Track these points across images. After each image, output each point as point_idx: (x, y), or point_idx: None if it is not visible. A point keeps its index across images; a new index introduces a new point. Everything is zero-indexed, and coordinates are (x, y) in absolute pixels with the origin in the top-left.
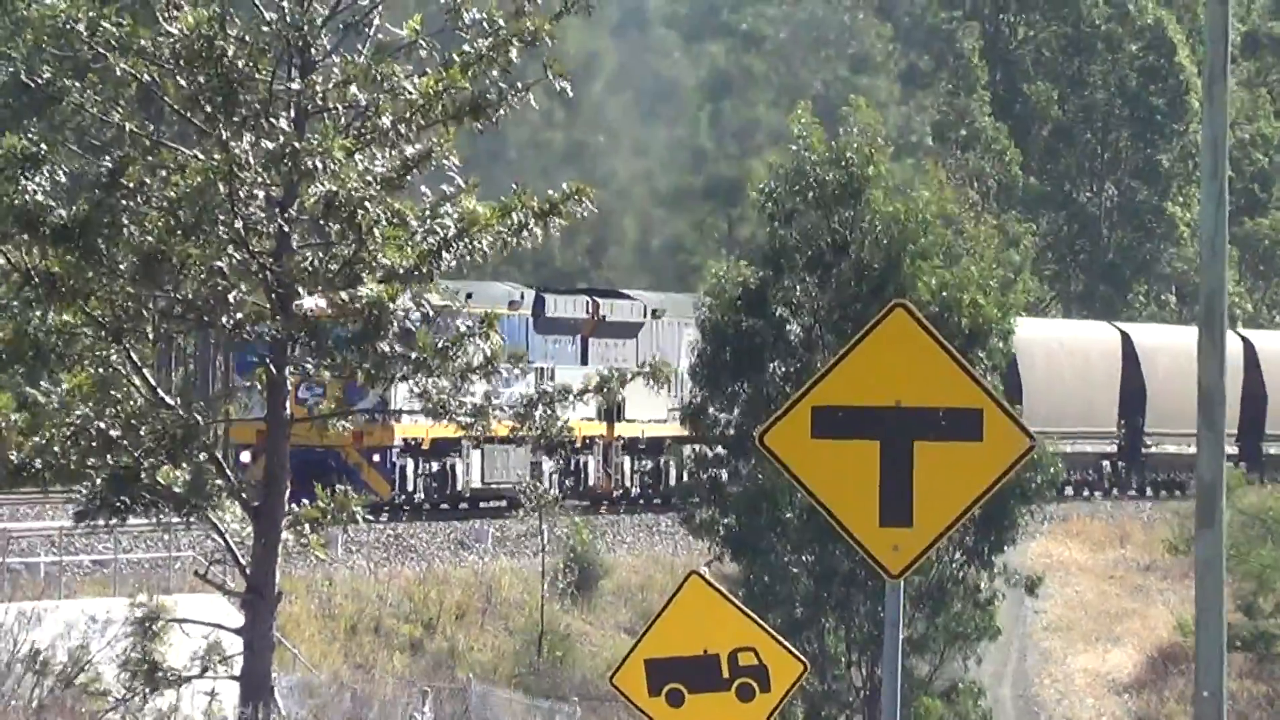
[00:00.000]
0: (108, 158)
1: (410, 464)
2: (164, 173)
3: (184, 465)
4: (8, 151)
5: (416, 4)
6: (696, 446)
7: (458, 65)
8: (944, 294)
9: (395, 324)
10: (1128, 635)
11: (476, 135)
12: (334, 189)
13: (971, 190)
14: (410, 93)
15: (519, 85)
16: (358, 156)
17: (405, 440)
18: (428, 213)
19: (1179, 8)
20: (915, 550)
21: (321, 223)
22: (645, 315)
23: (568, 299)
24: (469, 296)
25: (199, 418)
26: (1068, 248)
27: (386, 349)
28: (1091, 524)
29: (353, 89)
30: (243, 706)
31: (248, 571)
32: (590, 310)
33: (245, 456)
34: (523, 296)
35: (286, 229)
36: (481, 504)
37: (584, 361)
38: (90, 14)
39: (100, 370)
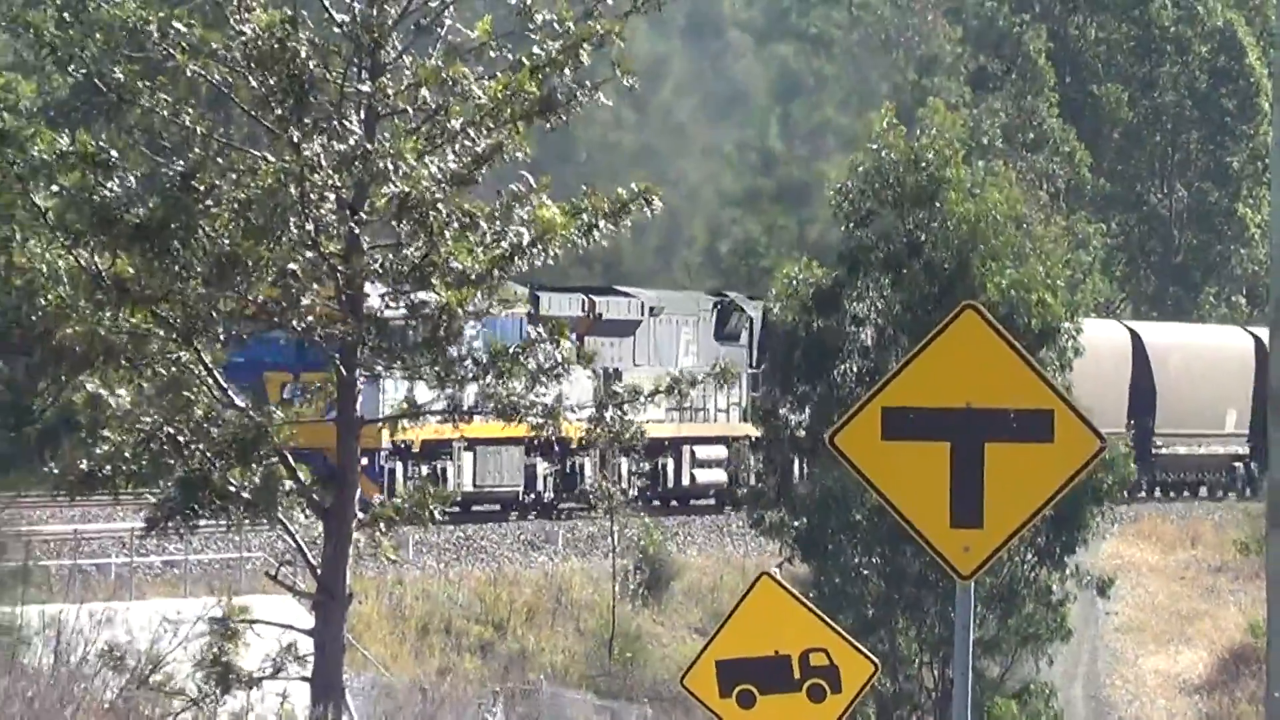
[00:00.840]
0: (180, 160)
1: (399, 467)
2: (235, 175)
3: (253, 467)
4: (81, 152)
5: (486, 5)
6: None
7: (527, 69)
8: (1014, 294)
9: (465, 328)
10: (1199, 636)
11: (546, 134)
12: (405, 190)
13: (1041, 191)
14: (480, 97)
15: (588, 84)
16: (428, 158)
17: (394, 443)
18: (498, 214)
19: (1249, 10)
20: (986, 551)
21: (392, 224)
22: (643, 313)
23: (563, 297)
24: None
25: (268, 420)
26: (1138, 249)
27: (456, 352)
28: (1162, 525)
29: (423, 92)
30: (314, 707)
31: (318, 572)
32: (586, 308)
33: None
34: (516, 294)
35: (357, 230)
36: (475, 508)
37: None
38: (161, 16)
39: (171, 372)
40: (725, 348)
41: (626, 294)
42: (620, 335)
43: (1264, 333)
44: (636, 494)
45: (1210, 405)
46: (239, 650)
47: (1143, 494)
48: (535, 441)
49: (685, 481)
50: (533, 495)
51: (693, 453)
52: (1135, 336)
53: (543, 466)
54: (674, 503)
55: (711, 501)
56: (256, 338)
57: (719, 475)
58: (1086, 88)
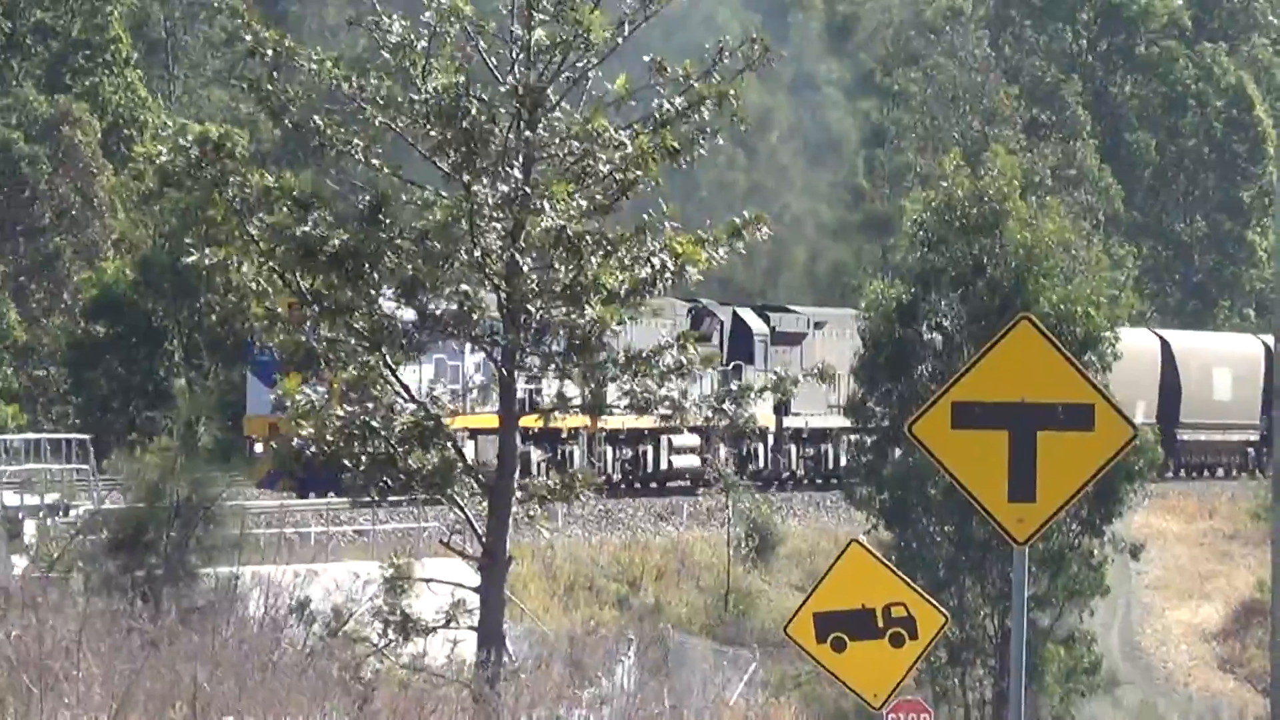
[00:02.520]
0: (368, 196)
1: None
2: (414, 208)
3: (431, 452)
4: (284, 188)
5: (624, 63)
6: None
7: (658, 120)
8: (1062, 307)
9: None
10: (1216, 593)
11: (673, 172)
12: (558, 225)
13: (1083, 222)
14: (626, 146)
15: (708, 132)
16: (576, 194)
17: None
18: (634, 241)
19: (1257, 70)
20: (1038, 522)
21: (547, 250)
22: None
23: None
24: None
25: (443, 412)
26: (1164, 270)
27: (601, 357)
28: (1185, 500)
29: (572, 143)
30: (479, 652)
31: (483, 540)
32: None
33: (259, 448)
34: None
35: (517, 257)
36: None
37: None
38: (356, 74)
39: (361, 373)
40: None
41: None
42: None
43: (1271, 339)
44: (802, 474)
45: (1227, 400)
46: (415, 603)
47: (1169, 474)
48: (529, 432)
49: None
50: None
51: (848, 440)
52: (1164, 343)
53: (536, 454)
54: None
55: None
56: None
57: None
58: (1122, 135)
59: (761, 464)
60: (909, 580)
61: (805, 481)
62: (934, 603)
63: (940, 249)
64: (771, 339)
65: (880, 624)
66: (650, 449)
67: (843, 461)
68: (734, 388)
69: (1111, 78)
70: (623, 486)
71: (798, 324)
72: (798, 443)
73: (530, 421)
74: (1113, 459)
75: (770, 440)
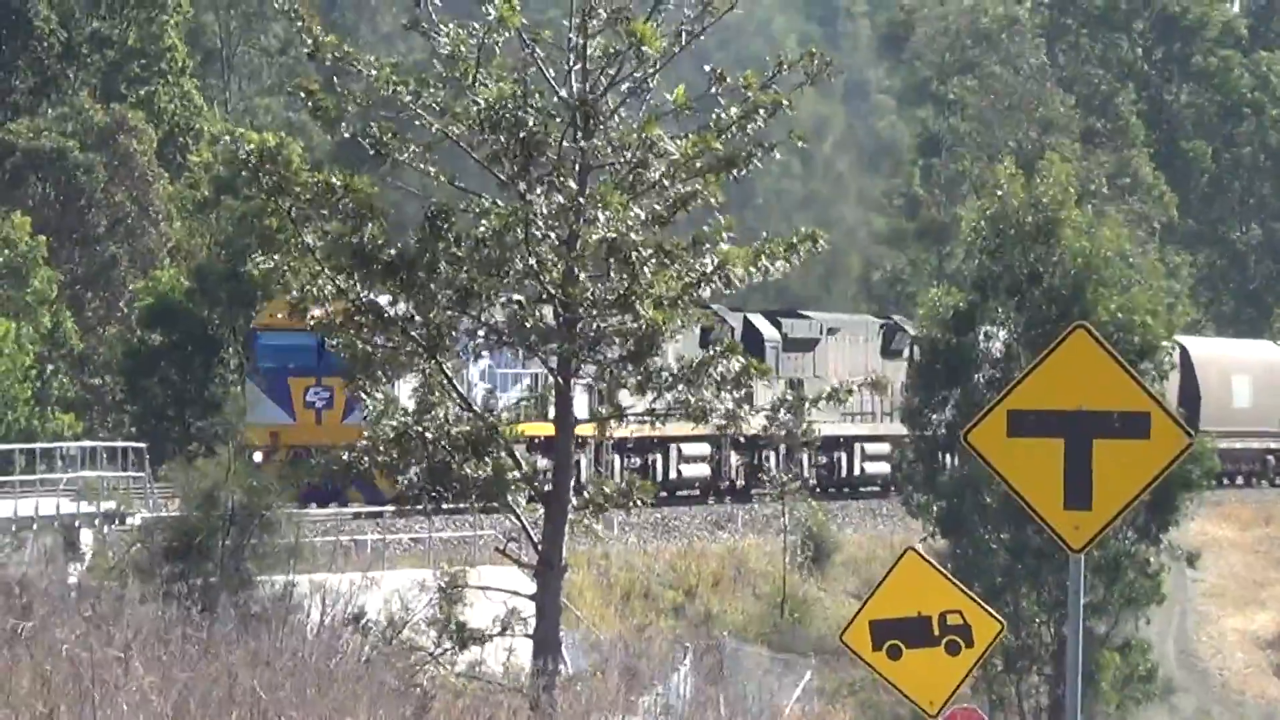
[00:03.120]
0: (425, 205)
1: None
2: (470, 216)
3: (487, 460)
4: (346, 186)
5: (682, 73)
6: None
7: (713, 130)
8: (1120, 316)
9: (663, 344)
10: (1271, 600)
11: (729, 182)
12: (612, 235)
13: (1139, 230)
14: (673, 154)
15: (765, 144)
16: (631, 204)
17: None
18: (689, 251)
19: None
20: (1093, 529)
21: (602, 259)
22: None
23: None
24: None
25: (498, 421)
26: (1219, 278)
27: (655, 365)
28: (1240, 508)
29: (627, 153)
30: (535, 659)
31: (539, 547)
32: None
33: (258, 457)
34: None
35: (572, 265)
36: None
37: None
38: (412, 83)
39: (419, 381)
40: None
41: None
42: None
43: None
44: (815, 483)
45: (1246, 407)
46: (470, 611)
47: None
48: (535, 440)
49: (856, 472)
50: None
51: (862, 449)
52: (1183, 350)
53: (543, 463)
54: (845, 490)
55: (877, 489)
56: (281, 347)
57: (884, 467)
58: (1177, 143)
59: (773, 472)
60: (965, 588)
61: (818, 490)
62: (990, 610)
63: (997, 257)
64: (783, 345)
65: (936, 631)
66: (659, 457)
67: (856, 470)
68: (790, 397)
69: (1167, 86)
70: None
71: (810, 330)
72: (810, 451)
73: (536, 428)
74: (1168, 467)
75: (781, 448)
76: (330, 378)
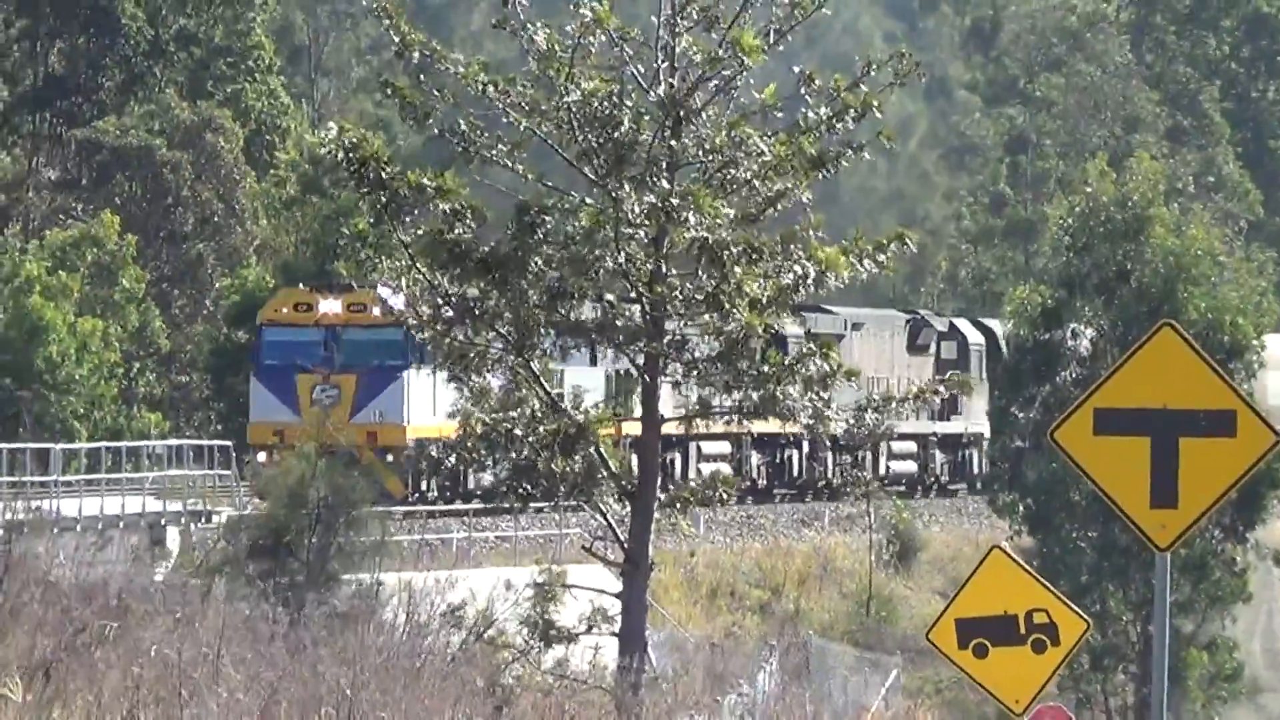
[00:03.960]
0: (515, 203)
1: (424, 464)
2: (559, 214)
3: (575, 458)
4: (439, 187)
5: (770, 74)
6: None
7: (801, 130)
8: (1209, 315)
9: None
10: None
11: (817, 181)
12: (703, 235)
13: (1225, 228)
14: (765, 154)
15: (853, 144)
16: (721, 202)
17: (418, 440)
18: (779, 249)
19: None
20: (1180, 528)
21: (691, 258)
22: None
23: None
24: None
25: (585, 419)
26: None
27: (744, 365)
28: None
29: (716, 152)
30: (621, 658)
31: (625, 546)
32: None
33: (261, 457)
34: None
35: (660, 264)
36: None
37: (593, 361)
38: (501, 80)
39: (507, 378)
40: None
41: None
42: None
43: None
44: (839, 483)
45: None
46: (559, 611)
47: None
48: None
49: (881, 471)
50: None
51: (888, 447)
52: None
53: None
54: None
55: (902, 488)
56: (288, 343)
57: (910, 466)
58: (1264, 141)
59: (796, 472)
60: (1051, 587)
61: (843, 491)
62: (1076, 609)
63: (1085, 255)
64: (807, 340)
65: (1022, 630)
66: (677, 456)
67: (881, 469)
68: (876, 396)
69: (1254, 83)
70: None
71: (834, 325)
72: (834, 450)
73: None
74: (1255, 465)
75: (805, 447)
76: (338, 374)
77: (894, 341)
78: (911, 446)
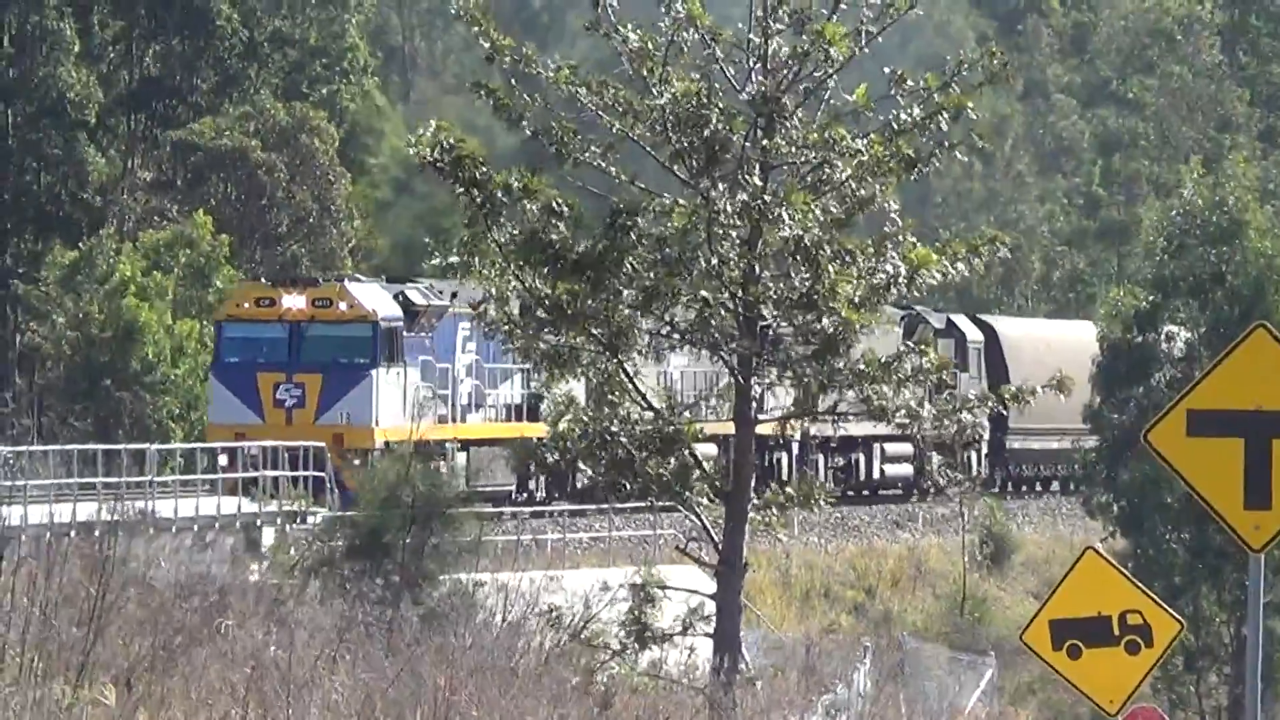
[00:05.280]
0: (609, 203)
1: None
2: (652, 215)
3: (670, 459)
4: (529, 187)
5: (861, 75)
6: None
7: (894, 131)
8: None
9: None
10: None
11: (910, 183)
12: (796, 234)
13: None
14: (861, 154)
15: (946, 145)
16: (814, 203)
17: (387, 443)
18: (872, 249)
19: None
20: (1274, 529)
21: (784, 258)
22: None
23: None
24: (454, 295)
25: (679, 421)
26: None
27: (840, 364)
28: None
29: (809, 152)
30: (715, 658)
31: (719, 547)
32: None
33: (223, 460)
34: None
35: (754, 265)
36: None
37: None
38: (593, 82)
39: (599, 379)
40: None
41: None
42: None
43: None
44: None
45: None
46: (655, 612)
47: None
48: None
49: (875, 475)
50: (524, 494)
51: (883, 450)
52: None
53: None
54: (865, 492)
55: (898, 492)
56: (249, 340)
57: (906, 469)
58: None
59: (785, 474)
60: (1145, 588)
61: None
62: (1170, 610)
63: (1179, 257)
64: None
65: (1116, 631)
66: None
67: (875, 473)
68: (972, 396)
69: None
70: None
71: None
72: (825, 452)
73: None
74: None
75: (795, 449)
76: (302, 373)
77: (888, 338)
78: (907, 449)
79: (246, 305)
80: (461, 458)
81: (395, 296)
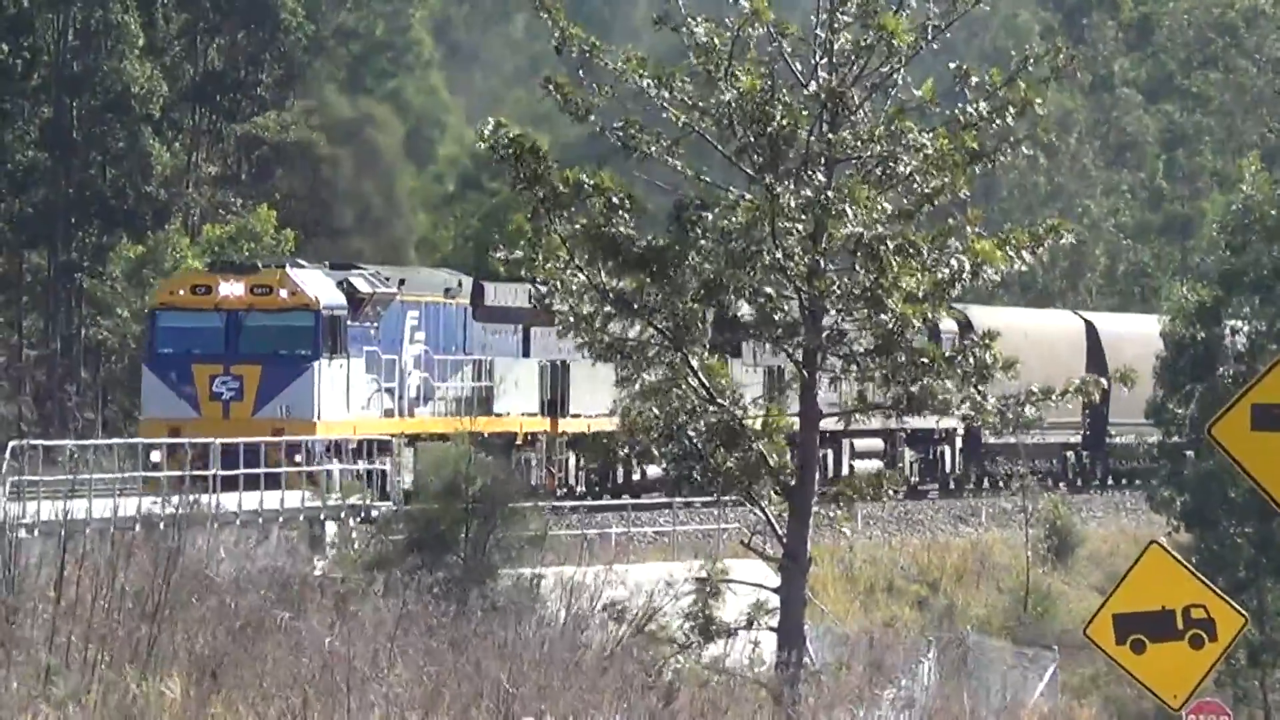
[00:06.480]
0: (673, 197)
1: (335, 463)
2: (716, 210)
3: (735, 453)
4: (598, 185)
5: (926, 69)
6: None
7: (965, 128)
8: None
9: (910, 339)
10: None
11: (975, 177)
12: (860, 230)
13: None
14: (927, 148)
15: (1012, 139)
16: (879, 197)
17: (334, 441)
18: (935, 244)
19: None
20: None
21: (849, 254)
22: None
23: (508, 287)
24: (402, 283)
25: (742, 414)
26: None
27: (902, 358)
28: None
29: (875, 146)
30: (779, 652)
31: (784, 541)
32: (533, 299)
33: (155, 456)
34: (460, 284)
35: (818, 260)
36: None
37: (526, 353)
38: (659, 77)
39: (664, 372)
40: None
41: None
42: None
43: None
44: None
45: None
46: (719, 605)
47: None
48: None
49: (844, 471)
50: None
51: (852, 445)
52: (1090, 326)
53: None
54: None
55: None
56: (184, 329)
57: (876, 465)
58: None
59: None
60: (1209, 582)
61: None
62: (1234, 604)
63: (1241, 252)
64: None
65: (1180, 626)
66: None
67: (844, 469)
68: (1035, 390)
69: None
70: (587, 498)
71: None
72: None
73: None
74: None
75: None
76: (240, 364)
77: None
78: (877, 444)
79: (182, 293)
80: (409, 454)
81: (339, 284)
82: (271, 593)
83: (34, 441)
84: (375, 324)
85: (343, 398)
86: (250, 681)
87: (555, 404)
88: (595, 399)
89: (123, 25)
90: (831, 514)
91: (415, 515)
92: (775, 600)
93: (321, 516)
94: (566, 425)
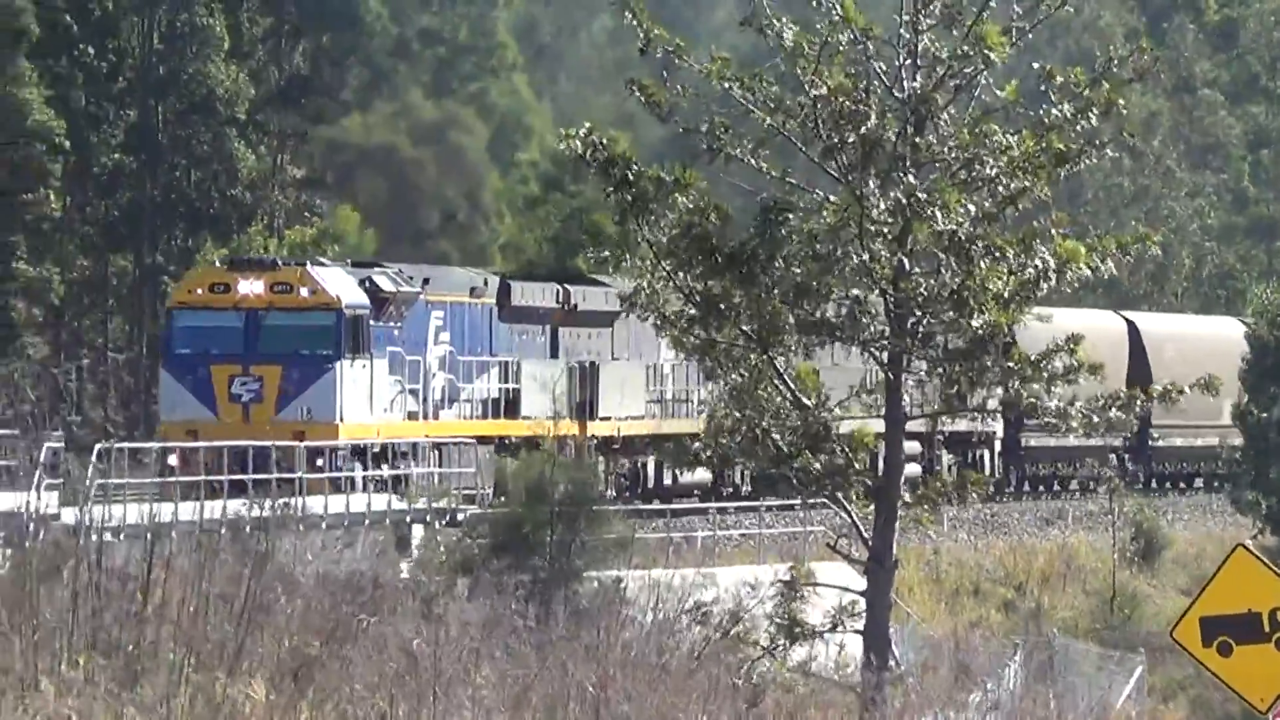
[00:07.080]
0: (760, 199)
1: (358, 466)
2: (803, 212)
3: (821, 455)
4: (683, 182)
5: (1013, 71)
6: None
7: (1053, 130)
8: None
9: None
10: None
11: (1060, 179)
12: (949, 230)
13: None
14: (1012, 150)
15: (1097, 141)
16: (965, 199)
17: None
18: (1021, 245)
19: None
20: None
21: (934, 254)
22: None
23: (536, 286)
24: (426, 282)
25: (829, 417)
26: None
27: (989, 361)
28: None
29: (959, 149)
30: (865, 655)
31: (869, 543)
32: (560, 298)
33: (173, 460)
34: (486, 283)
35: (905, 262)
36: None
37: (554, 354)
38: (745, 77)
39: (750, 374)
40: None
41: (604, 284)
42: (597, 326)
43: None
44: None
45: None
46: (805, 608)
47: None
48: (504, 441)
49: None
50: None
51: None
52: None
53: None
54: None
55: None
56: (202, 329)
57: (914, 469)
58: None
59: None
60: None
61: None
62: None
63: None
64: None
65: (1267, 628)
66: (652, 461)
67: (878, 471)
68: (1123, 394)
69: None
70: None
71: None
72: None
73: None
74: None
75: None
76: (260, 365)
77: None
78: (915, 446)
79: (200, 291)
80: (433, 456)
81: (361, 282)
82: (358, 596)
83: (120, 444)
84: (399, 324)
85: (365, 399)
86: (336, 684)
87: (584, 407)
88: (625, 402)
89: (208, 28)
90: (917, 516)
91: (499, 518)
92: (861, 603)
93: (408, 519)
94: (595, 429)
